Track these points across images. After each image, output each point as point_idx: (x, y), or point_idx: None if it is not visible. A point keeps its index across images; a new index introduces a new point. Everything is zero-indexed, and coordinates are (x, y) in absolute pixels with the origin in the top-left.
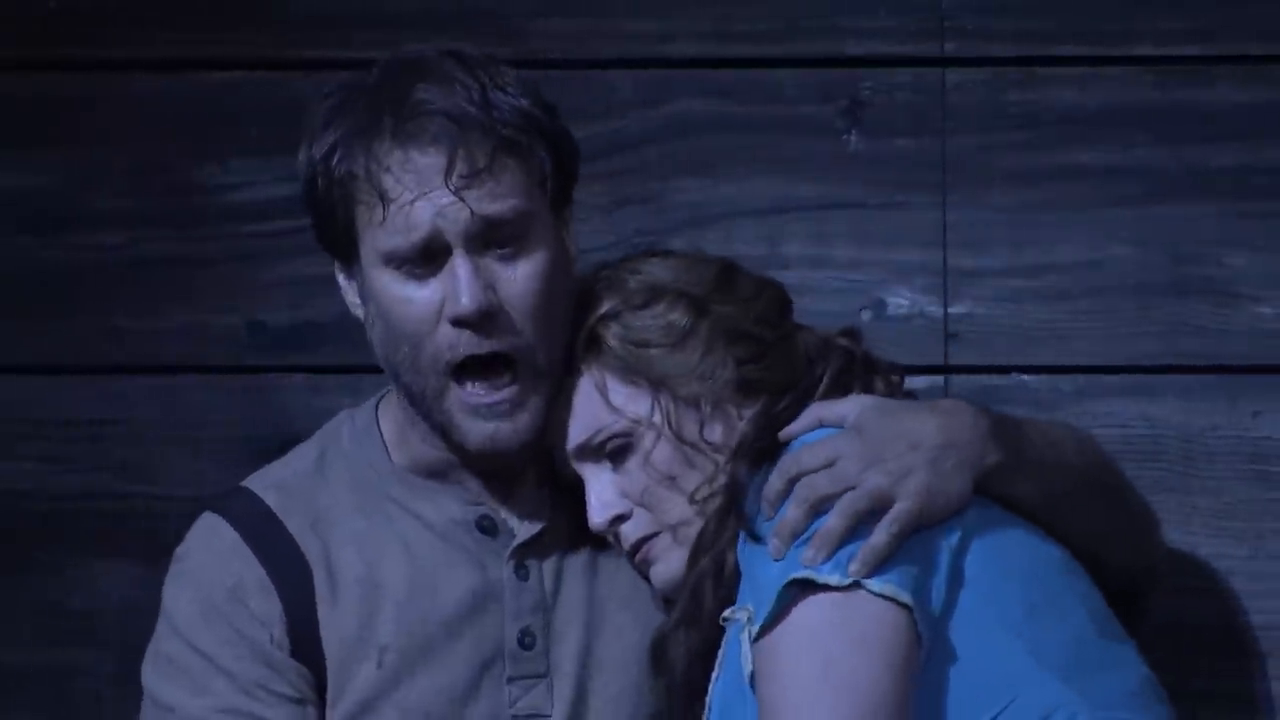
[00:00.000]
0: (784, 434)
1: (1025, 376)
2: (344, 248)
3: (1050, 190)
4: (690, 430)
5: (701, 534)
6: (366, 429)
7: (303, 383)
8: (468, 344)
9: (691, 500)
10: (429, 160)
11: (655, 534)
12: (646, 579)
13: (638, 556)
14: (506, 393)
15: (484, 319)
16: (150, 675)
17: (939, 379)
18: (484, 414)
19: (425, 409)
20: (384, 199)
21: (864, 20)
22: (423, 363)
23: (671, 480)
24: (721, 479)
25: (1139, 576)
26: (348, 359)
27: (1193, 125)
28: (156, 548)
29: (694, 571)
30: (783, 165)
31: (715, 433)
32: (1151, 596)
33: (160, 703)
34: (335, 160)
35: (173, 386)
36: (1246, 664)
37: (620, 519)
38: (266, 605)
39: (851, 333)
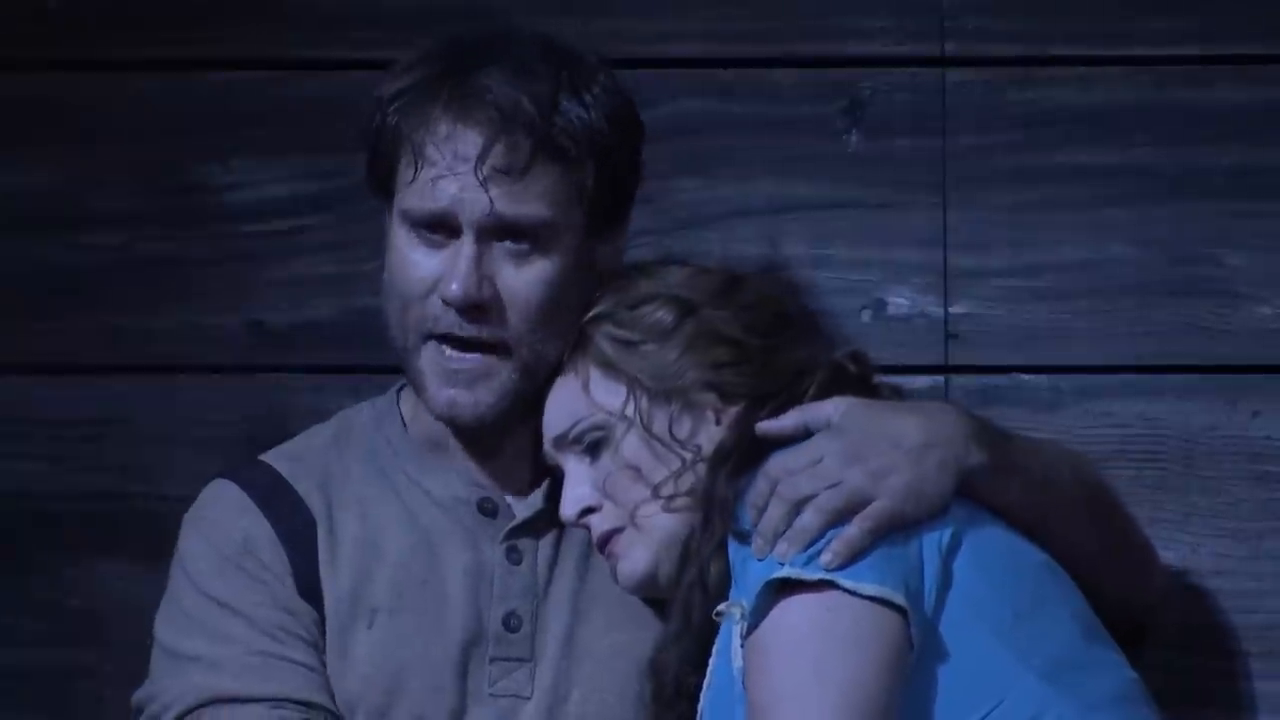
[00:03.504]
0: (760, 429)
1: (1025, 376)
2: (386, 193)
3: (1050, 190)
4: (660, 425)
5: (686, 545)
6: (387, 409)
7: (303, 383)
8: (450, 323)
9: (655, 494)
10: (469, 141)
11: (621, 529)
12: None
13: (604, 551)
14: (471, 361)
15: (471, 309)
16: (167, 631)
17: (939, 379)
18: (447, 379)
19: (405, 364)
20: (419, 163)
21: (864, 20)
22: (408, 322)
23: (637, 471)
24: (690, 478)
25: (1138, 613)
26: (348, 359)
27: (1192, 125)
28: (156, 548)
29: (682, 585)
30: (782, 165)
31: (684, 429)
32: (1150, 638)
33: (181, 654)
34: (393, 109)
35: (173, 386)
36: (1247, 664)
37: (589, 511)
38: (276, 558)
39: (856, 354)
